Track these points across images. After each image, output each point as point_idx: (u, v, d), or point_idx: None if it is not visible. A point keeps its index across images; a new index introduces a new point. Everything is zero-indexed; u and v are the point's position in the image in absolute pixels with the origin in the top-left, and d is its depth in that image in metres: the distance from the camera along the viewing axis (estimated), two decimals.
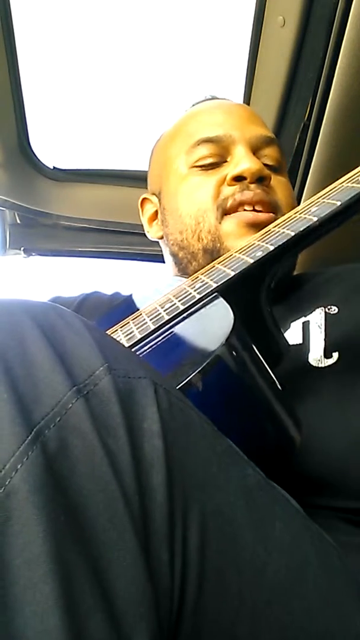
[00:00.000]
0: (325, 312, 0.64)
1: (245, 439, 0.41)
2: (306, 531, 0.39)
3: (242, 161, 0.73)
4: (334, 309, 0.64)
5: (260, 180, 0.73)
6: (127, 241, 1.31)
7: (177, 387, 0.40)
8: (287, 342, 0.57)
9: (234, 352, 0.44)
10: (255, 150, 0.76)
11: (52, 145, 1.24)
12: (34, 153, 1.19)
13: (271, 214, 0.72)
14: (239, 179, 0.73)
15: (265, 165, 0.75)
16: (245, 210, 0.72)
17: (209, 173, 0.76)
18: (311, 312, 0.65)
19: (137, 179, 1.20)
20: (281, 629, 0.33)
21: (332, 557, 0.38)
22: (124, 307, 0.69)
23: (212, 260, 0.70)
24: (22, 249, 1.32)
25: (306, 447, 0.52)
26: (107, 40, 1.17)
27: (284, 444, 0.47)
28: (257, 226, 0.71)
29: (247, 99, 1.08)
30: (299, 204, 1.12)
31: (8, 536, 0.26)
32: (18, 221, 1.31)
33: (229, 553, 0.33)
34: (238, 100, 1.08)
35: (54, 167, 1.24)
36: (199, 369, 0.41)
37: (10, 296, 0.38)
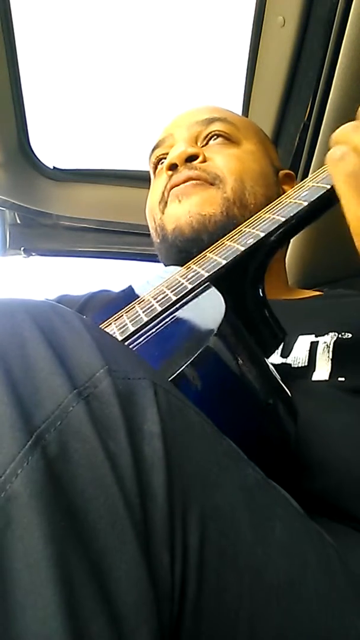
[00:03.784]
0: (338, 336, 0.63)
1: (240, 428, 0.41)
2: (306, 532, 0.39)
3: (171, 152, 0.78)
4: (348, 335, 0.63)
5: (191, 160, 0.76)
6: (127, 241, 1.31)
7: (171, 378, 0.40)
8: (284, 329, 0.56)
9: (226, 340, 0.44)
10: (197, 135, 0.80)
11: (52, 145, 1.25)
12: (34, 153, 1.19)
13: (205, 184, 0.75)
14: (172, 168, 0.77)
15: (210, 143, 0.79)
16: None
17: (161, 173, 0.81)
18: (323, 334, 0.64)
19: (137, 179, 1.20)
20: (281, 630, 0.33)
21: (332, 558, 0.38)
22: (123, 299, 0.68)
23: (180, 255, 0.73)
24: (22, 249, 1.32)
25: (307, 464, 0.52)
26: (107, 39, 1.17)
27: (279, 431, 0.47)
28: (186, 195, 0.75)
29: (247, 99, 1.08)
30: None
31: (9, 541, 0.26)
32: (18, 221, 1.31)
33: (228, 554, 0.33)
34: (238, 101, 1.08)
35: (54, 167, 1.24)
36: (192, 358, 0.41)
37: (10, 296, 0.38)
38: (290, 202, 0.56)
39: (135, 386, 0.33)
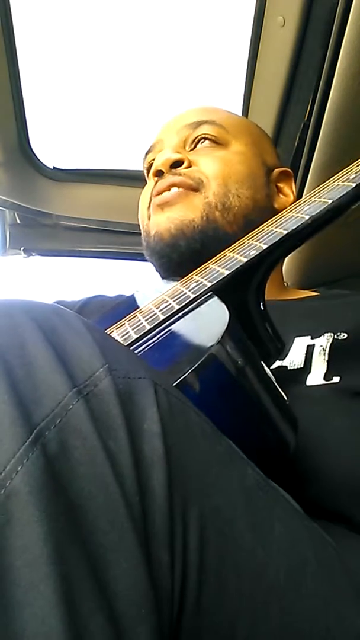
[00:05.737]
0: (334, 338, 0.63)
1: (241, 436, 0.40)
2: (306, 531, 0.39)
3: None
4: (344, 335, 0.63)
5: (176, 166, 0.77)
6: (127, 241, 1.31)
7: (175, 384, 0.40)
8: (283, 340, 0.57)
9: (228, 350, 0.44)
10: (186, 139, 0.80)
11: (52, 145, 1.25)
12: (34, 153, 1.19)
13: (187, 192, 0.75)
14: (158, 174, 0.78)
15: (197, 147, 0.79)
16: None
17: (149, 181, 0.83)
18: (319, 336, 0.64)
19: (137, 179, 1.20)
20: (280, 630, 0.33)
21: (331, 558, 0.38)
22: (124, 308, 0.69)
23: (162, 260, 0.75)
24: (22, 249, 1.32)
25: (303, 470, 0.52)
26: (107, 38, 1.17)
27: (279, 441, 0.47)
28: (168, 205, 0.75)
29: (247, 99, 1.08)
30: None
31: (8, 538, 0.26)
32: (18, 221, 1.31)
33: (228, 554, 0.33)
34: (238, 101, 1.08)
35: (54, 167, 1.24)
36: (194, 367, 0.41)
37: (10, 296, 0.38)
38: (293, 215, 0.57)
39: (136, 385, 0.33)
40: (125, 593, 0.27)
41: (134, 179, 1.22)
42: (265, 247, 0.55)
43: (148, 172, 0.86)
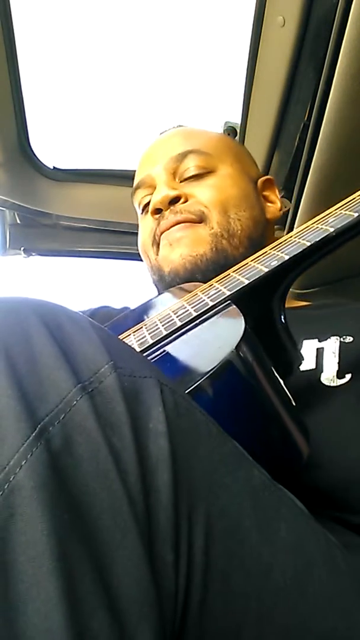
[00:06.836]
0: (341, 341, 0.64)
1: (252, 447, 0.40)
2: (311, 532, 0.39)
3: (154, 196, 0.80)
4: (349, 339, 0.64)
5: (174, 202, 0.78)
6: (127, 241, 1.31)
7: (186, 392, 0.40)
8: (300, 352, 0.57)
9: (243, 359, 0.44)
10: (174, 171, 0.81)
11: (52, 145, 1.25)
12: (34, 153, 1.19)
13: (192, 224, 0.77)
14: (156, 212, 0.79)
15: (188, 178, 0.80)
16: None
17: (147, 215, 0.83)
18: (326, 339, 0.65)
19: None
20: (287, 630, 0.33)
21: (337, 558, 0.38)
22: (132, 319, 0.69)
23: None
24: (22, 249, 1.32)
25: (316, 462, 0.52)
26: (107, 38, 1.17)
27: (291, 454, 0.47)
28: (177, 241, 0.77)
29: (247, 99, 1.08)
30: (299, 203, 1.12)
31: (12, 533, 0.26)
32: (18, 221, 1.31)
33: (234, 554, 0.33)
34: (238, 101, 1.08)
35: (54, 167, 1.24)
36: (208, 374, 0.41)
37: (17, 295, 0.38)
38: (317, 227, 0.56)
39: (141, 384, 0.33)
40: (127, 590, 0.27)
41: (134, 179, 1.22)
42: (287, 257, 0.54)
43: (142, 209, 0.87)
